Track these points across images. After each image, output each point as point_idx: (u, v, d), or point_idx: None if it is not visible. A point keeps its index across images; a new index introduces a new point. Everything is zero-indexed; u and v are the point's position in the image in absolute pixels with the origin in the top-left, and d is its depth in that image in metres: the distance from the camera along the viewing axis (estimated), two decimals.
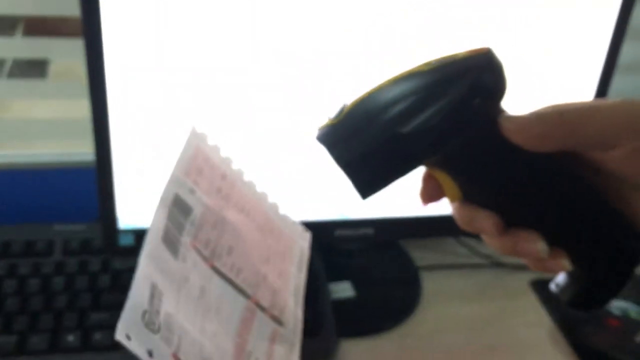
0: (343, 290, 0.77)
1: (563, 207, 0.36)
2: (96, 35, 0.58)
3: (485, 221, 0.36)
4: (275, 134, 0.65)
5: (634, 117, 0.33)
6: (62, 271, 0.70)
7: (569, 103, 0.35)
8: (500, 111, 0.35)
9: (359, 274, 0.80)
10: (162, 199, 0.39)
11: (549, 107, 0.34)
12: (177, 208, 0.40)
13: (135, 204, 0.66)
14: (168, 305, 0.36)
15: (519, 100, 0.64)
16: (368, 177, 0.35)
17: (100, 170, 0.64)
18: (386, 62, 0.64)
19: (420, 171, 0.38)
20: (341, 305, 0.75)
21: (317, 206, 0.70)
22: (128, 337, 0.33)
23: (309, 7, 0.61)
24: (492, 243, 0.37)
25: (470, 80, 0.33)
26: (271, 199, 0.47)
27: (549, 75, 0.70)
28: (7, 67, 0.84)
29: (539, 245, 0.36)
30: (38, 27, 0.81)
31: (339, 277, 0.78)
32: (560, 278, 0.40)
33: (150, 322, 0.35)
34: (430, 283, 0.81)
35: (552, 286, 0.40)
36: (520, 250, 0.36)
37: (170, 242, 0.38)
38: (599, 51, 0.70)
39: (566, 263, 0.37)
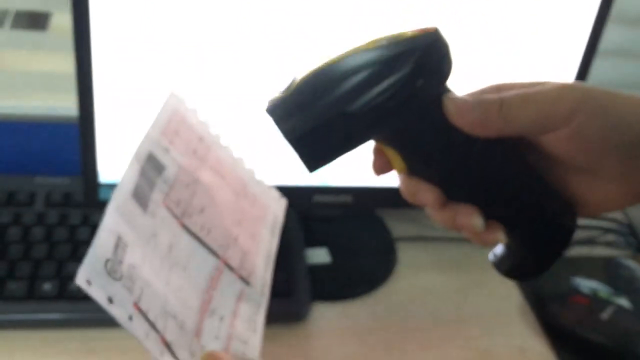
0: (319, 255, 0.77)
1: (500, 184, 0.37)
2: None
3: (427, 195, 0.37)
4: (256, 97, 0.65)
5: (565, 106, 0.34)
6: (42, 222, 0.70)
7: (509, 87, 0.36)
8: (445, 90, 0.36)
9: (336, 241, 0.80)
10: (136, 155, 0.39)
11: (490, 94, 0.35)
12: (150, 165, 0.40)
13: (117, 159, 0.66)
14: (132, 257, 0.36)
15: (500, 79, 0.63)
16: (315, 152, 0.35)
17: (83, 124, 0.64)
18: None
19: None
20: (317, 270, 0.75)
21: (297, 171, 0.70)
22: (88, 283, 0.34)
23: None
24: (433, 216, 0.38)
25: (414, 62, 0.33)
26: (248, 164, 0.47)
27: (530, 56, 0.69)
28: (10, 18, 0.83)
29: (476, 220, 0.37)
30: None
31: (316, 243, 0.79)
32: (498, 249, 0.41)
33: (112, 270, 0.35)
34: (405, 254, 0.81)
35: (491, 256, 0.42)
36: (459, 224, 0.37)
37: (140, 197, 0.38)
38: (581, 34, 0.69)
39: (501, 236, 0.38)
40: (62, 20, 0.84)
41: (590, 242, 0.86)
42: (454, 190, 0.37)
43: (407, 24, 0.63)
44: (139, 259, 0.37)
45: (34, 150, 0.80)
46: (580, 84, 0.36)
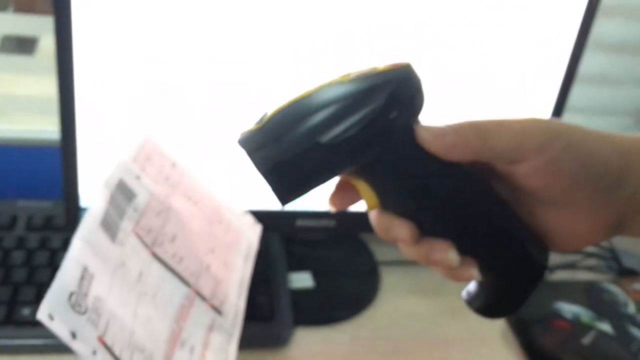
0: (302, 280, 0.76)
1: (474, 218, 0.36)
2: (66, 14, 0.57)
3: (401, 230, 0.36)
4: (240, 122, 0.64)
5: (540, 136, 0.34)
6: (23, 246, 0.68)
7: (482, 119, 0.35)
8: (417, 123, 0.35)
9: (319, 265, 0.78)
10: (106, 183, 0.38)
11: (463, 121, 0.35)
12: (121, 193, 0.38)
13: (99, 184, 0.65)
14: (98, 289, 0.35)
15: (478, 108, 0.63)
16: (287, 184, 0.34)
17: (65, 148, 0.62)
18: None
19: None
20: (300, 294, 0.73)
21: None
22: (51, 317, 0.32)
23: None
24: (407, 251, 0.37)
25: (388, 93, 0.33)
26: (222, 189, 0.46)
27: (509, 82, 0.68)
28: None
29: (450, 255, 0.36)
30: (29, 5, 0.79)
31: (299, 267, 0.77)
32: (471, 287, 0.40)
33: (76, 303, 0.34)
34: (389, 277, 0.79)
35: (463, 294, 0.40)
36: (433, 259, 0.36)
37: (109, 226, 0.37)
38: (560, 61, 0.69)
39: (476, 273, 0.37)
40: (50, 45, 0.84)
41: (572, 266, 0.85)
42: (429, 224, 0.36)
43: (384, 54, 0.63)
44: (106, 291, 0.35)
45: (16, 174, 0.78)
46: (554, 118, 0.36)
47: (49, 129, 0.79)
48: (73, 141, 0.62)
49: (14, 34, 0.83)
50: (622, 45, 0.92)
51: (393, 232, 0.36)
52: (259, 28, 0.60)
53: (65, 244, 0.69)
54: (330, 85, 0.34)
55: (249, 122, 0.36)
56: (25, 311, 0.63)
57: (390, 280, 0.79)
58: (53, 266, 0.67)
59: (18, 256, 0.67)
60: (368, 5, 0.61)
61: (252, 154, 0.34)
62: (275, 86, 0.63)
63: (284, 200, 0.35)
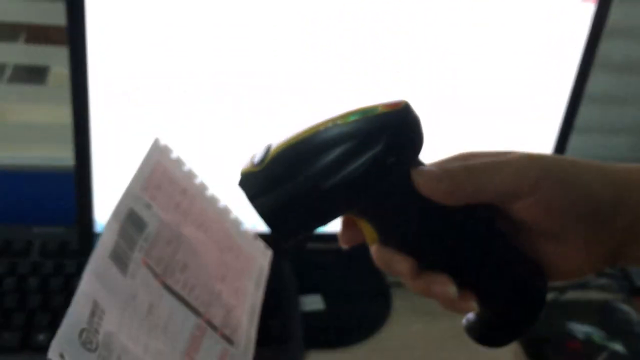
0: (313, 302, 0.74)
1: (473, 253, 0.36)
2: (80, 43, 0.57)
3: (400, 264, 0.36)
4: (252, 145, 0.63)
5: (532, 176, 0.34)
6: (37, 272, 0.68)
7: (476, 156, 0.35)
8: (417, 163, 0.35)
9: (330, 288, 0.77)
10: (115, 214, 0.37)
11: (457, 163, 0.35)
12: (131, 223, 0.37)
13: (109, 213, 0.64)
14: (109, 324, 0.33)
15: (485, 129, 0.62)
16: (287, 228, 0.34)
17: (79, 174, 0.62)
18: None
19: None
20: (311, 317, 0.72)
21: None
22: (62, 356, 0.31)
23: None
24: (407, 284, 0.37)
25: (385, 140, 0.33)
26: (233, 214, 0.45)
27: (516, 102, 0.67)
28: (8, 72, 0.82)
29: (450, 289, 0.35)
30: (40, 35, 0.80)
31: (310, 289, 0.76)
32: (471, 315, 0.39)
33: (87, 341, 0.32)
34: (400, 299, 0.78)
35: (464, 322, 0.40)
36: (433, 293, 0.36)
37: (119, 258, 0.36)
38: (567, 82, 0.67)
39: (474, 305, 0.37)
40: (61, 74, 0.83)
41: (583, 285, 0.83)
42: (428, 260, 0.36)
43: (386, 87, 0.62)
44: (117, 325, 0.34)
45: (32, 200, 0.78)
46: (544, 154, 0.36)
47: (62, 155, 0.78)
48: (87, 167, 0.62)
49: (25, 64, 0.83)
50: (628, 65, 0.91)
51: (393, 266, 0.36)
52: (272, 49, 0.60)
53: (79, 270, 0.68)
54: (330, 127, 0.34)
55: (249, 155, 0.35)
56: (40, 337, 0.62)
57: (401, 302, 0.78)
58: (68, 292, 0.66)
59: (33, 282, 0.66)
60: (372, 36, 0.61)
61: (253, 199, 0.34)
62: (285, 107, 0.62)
63: (285, 241, 0.35)
